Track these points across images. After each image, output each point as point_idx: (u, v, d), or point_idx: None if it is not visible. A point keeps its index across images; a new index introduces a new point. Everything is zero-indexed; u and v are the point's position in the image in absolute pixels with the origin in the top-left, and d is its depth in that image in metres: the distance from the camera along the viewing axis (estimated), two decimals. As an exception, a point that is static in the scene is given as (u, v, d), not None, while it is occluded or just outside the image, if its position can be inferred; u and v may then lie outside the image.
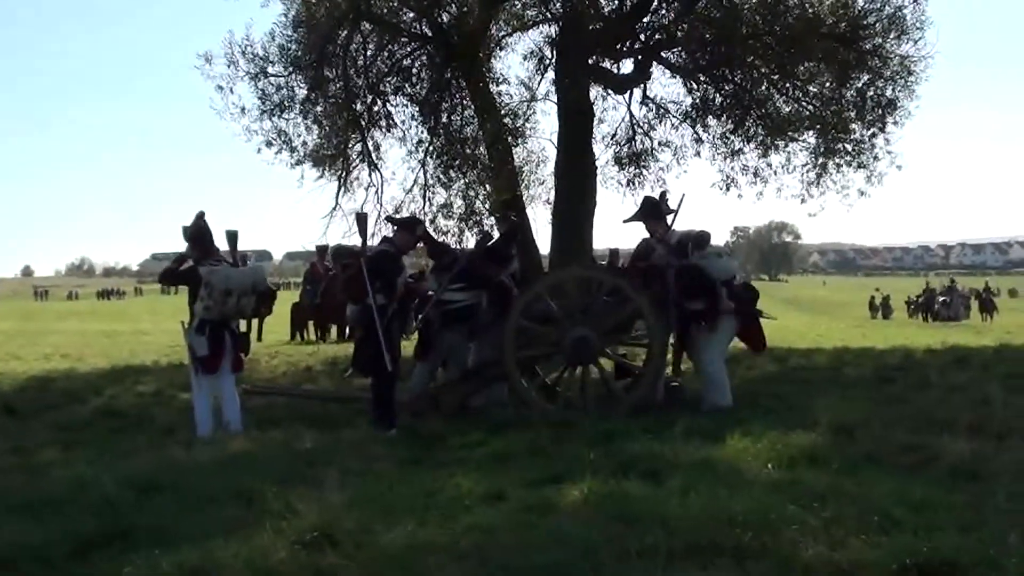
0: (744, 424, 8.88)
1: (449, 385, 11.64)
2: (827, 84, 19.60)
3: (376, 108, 20.66)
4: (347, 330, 22.02)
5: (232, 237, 10.40)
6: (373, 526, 5.62)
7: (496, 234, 14.18)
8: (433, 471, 7.70)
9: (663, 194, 11.83)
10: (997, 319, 46.60)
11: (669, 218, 11.33)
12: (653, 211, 11.46)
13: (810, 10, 18.28)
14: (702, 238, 11.10)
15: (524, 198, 19.45)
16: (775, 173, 21.09)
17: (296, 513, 5.75)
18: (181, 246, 10.47)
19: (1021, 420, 8.71)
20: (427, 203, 20.42)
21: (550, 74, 20.71)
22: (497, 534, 5.43)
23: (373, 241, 12.85)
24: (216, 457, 8.29)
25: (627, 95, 21.92)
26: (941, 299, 51.04)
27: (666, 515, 5.46)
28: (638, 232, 11.85)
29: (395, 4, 19.66)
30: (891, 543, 4.86)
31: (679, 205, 11.38)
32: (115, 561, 5.15)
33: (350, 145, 20.38)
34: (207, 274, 10.02)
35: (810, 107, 20.01)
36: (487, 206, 19.56)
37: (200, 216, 10.44)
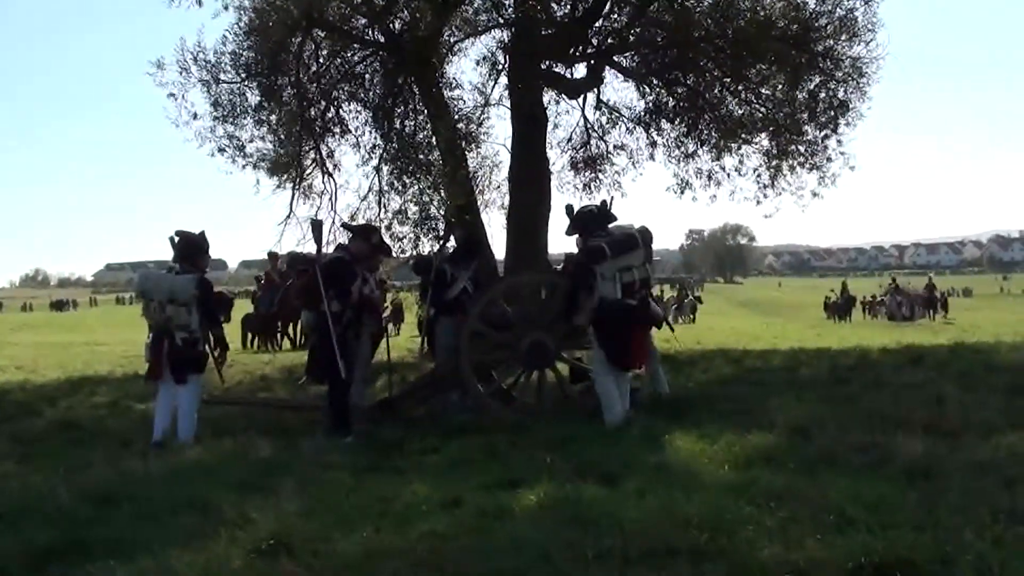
0: (700, 426, 8.91)
1: (406, 391, 11.62)
2: (779, 86, 19.66)
3: (329, 114, 20.59)
4: (302, 337, 22.04)
5: (171, 242, 10.34)
6: (329, 534, 5.60)
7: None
8: (389, 477, 7.68)
9: (603, 203, 11.80)
10: (942, 316, 47.22)
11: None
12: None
13: (761, 13, 18.33)
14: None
15: (479, 203, 19.40)
16: (729, 176, 21.24)
17: (252, 522, 5.73)
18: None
19: (975, 418, 8.78)
20: (382, 209, 20.37)
21: (503, 79, 20.71)
22: (453, 540, 5.40)
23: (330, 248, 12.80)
24: (172, 467, 8.24)
25: (581, 99, 21.98)
26: (881, 299, 51.90)
27: (622, 518, 5.45)
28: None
29: (347, 11, 19.55)
30: (847, 542, 4.86)
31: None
32: (71, 573, 5.14)
33: (304, 152, 20.28)
34: None
35: (762, 109, 20.08)
36: (442, 212, 19.52)
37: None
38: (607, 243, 10.00)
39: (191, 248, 10.33)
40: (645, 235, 10.17)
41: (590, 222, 10.56)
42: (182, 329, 10.02)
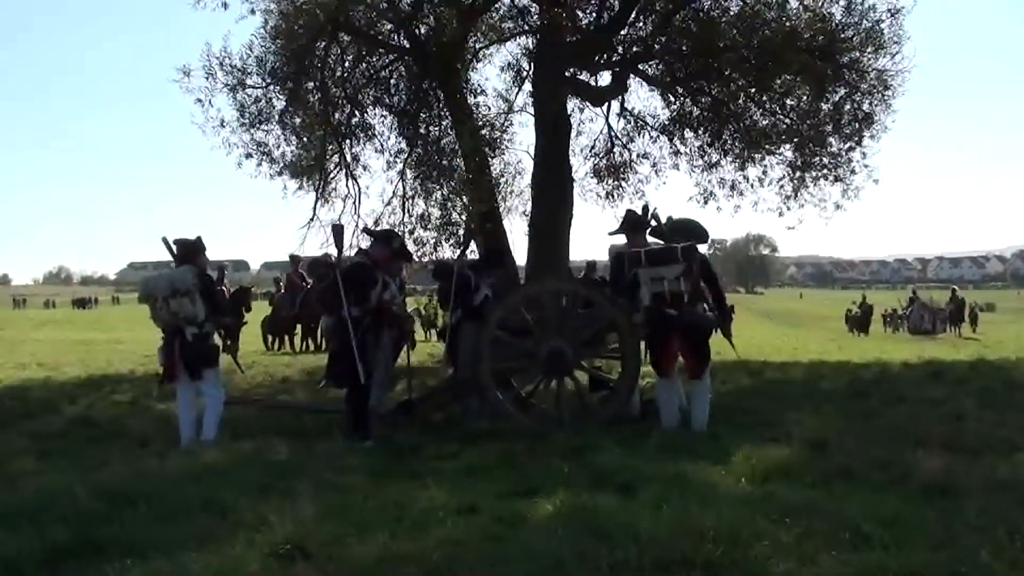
0: (718, 438, 8.89)
1: (425, 395, 11.61)
2: (804, 97, 19.64)
3: (354, 119, 20.62)
4: (322, 341, 22.11)
5: (164, 243, 10.41)
6: (346, 538, 5.60)
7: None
8: (406, 483, 7.65)
9: (645, 208, 11.76)
10: (966, 330, 46.86)
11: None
12: (635, 225, 11.40)
13: (787, 23, 18.32)
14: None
15: (501, 210, 19.39)
16: (752, 186, 21.18)
17: (269, 525, 5.73)
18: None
19: (995, 435, 8.73)
20: (406, 214, 20.37)
21: (527, 86, 20.79)
22: (468, 547, 5.40)
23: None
24: (190, 468, 8.21)
25: (605, 107, 21.99)
26: (903, 312, 51.60)
27: (638, 529, 5.43)
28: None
29: (373, 16, 19.62)
30: (861, 559, 4.86)
31: (650, 217, 11.30)
32: (86, 572, 5.15)
33: (328, 156, 20.32)
34: None
35: (787, 120, 20.06)
36: (464, 217, 19.51)
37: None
38: (645, 251, 10.13)
39: (188, 250, 10.37)
40: (689, 253, 10.15)
41: (637, 225, 10.80)
42: (191, 323, 10.03)
